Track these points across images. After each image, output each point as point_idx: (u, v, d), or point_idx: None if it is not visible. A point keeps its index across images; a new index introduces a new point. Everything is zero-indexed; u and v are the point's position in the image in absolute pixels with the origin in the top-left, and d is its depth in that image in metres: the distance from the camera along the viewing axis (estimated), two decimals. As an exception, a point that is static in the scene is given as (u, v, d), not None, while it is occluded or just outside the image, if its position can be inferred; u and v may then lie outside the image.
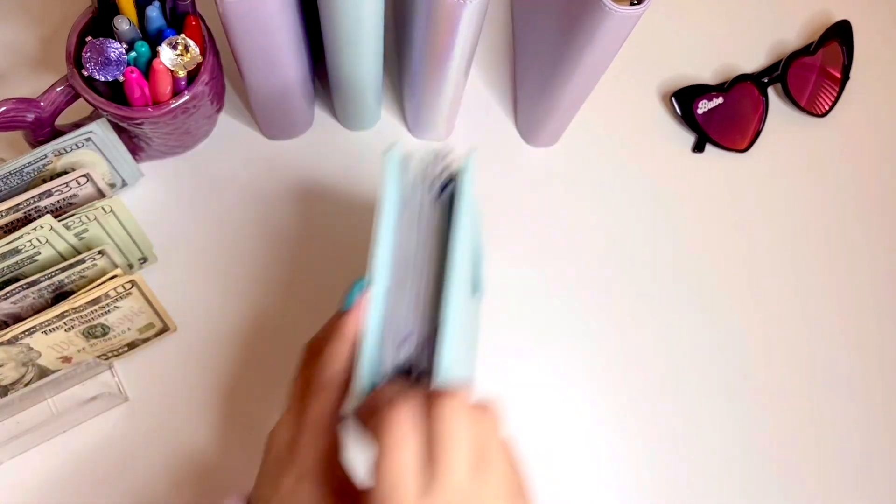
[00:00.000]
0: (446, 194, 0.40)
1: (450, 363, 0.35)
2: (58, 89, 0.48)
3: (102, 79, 0.47)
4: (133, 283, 0.49)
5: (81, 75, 0.47)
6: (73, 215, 0.48)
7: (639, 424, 0.57)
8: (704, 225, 0.63)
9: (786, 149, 0.66)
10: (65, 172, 0.50)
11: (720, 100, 0.64)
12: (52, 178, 0.50)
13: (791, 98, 0.66)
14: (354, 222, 0.59)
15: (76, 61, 0.48)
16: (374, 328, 0.37)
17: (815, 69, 0.67)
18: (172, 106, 0.49)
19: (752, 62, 0.68)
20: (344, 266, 0.56)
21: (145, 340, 0.54)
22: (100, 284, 0.48)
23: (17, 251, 0.48)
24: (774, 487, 0.57)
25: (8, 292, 0.47)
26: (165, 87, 0.48)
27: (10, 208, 0.48)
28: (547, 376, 0.57)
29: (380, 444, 0.31)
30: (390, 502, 0.30)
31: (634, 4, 0.44)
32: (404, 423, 0.31)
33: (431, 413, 0.31)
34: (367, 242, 0.38)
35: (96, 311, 0.49)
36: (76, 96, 0.49)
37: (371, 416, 0.33)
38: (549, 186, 0.62)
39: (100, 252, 0.49)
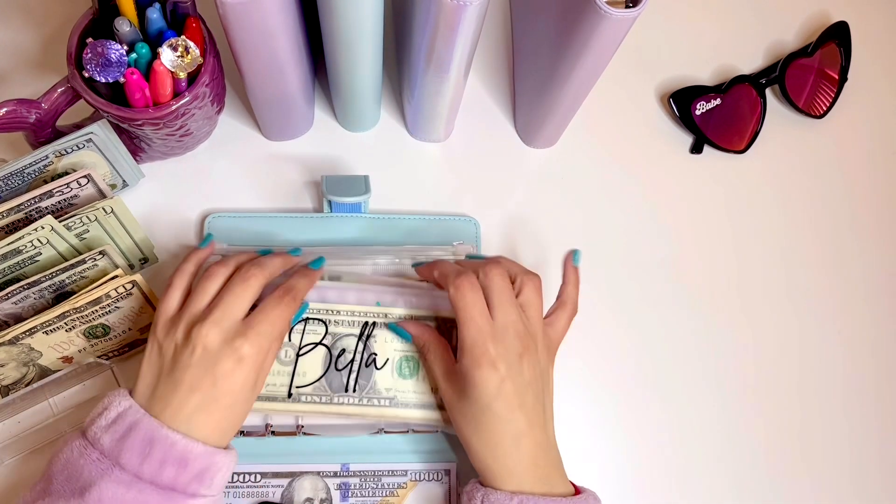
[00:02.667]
0: None
1: None
2: (59, 90, 0.49)
3: (103, 80, 0.47)
4: (134, 283, 0.49)
5: (82, 76, 0.47)
6: (74, 216, 0.49)
7: (636, 423, 0.57)
8: (702, 225, 0.63)
9: (783, 150, 0.66)
10: (66, 173, 0.50)
11: (718, 101, 0.65)
12: (53, 179, 0.50)
13: (789, 99, 0.66)
14: (354, 223, 0.59)
15: (77, 63, 0.48)
16: None
17: (812, 70, 0.67)
18: (173, 107, 0.49)
19: (750, 63, 0.68)
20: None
21: (146, 340, 0.54)
22: (101, 285, 0.48)
23: (18, 251, 0.48)
24: (767, 488, 0.57)
25: (9, 293, 0.48)
26: (166, 89, 0.48)
27: (11, 209, 0.48)
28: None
29: (459, 303, 0.46)
30: (477, 334, 0.45)
31: (630, 7, 0.44)
32: (471, 287, 0.46)
33: (482, 277, 0.47)
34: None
35: (97, 311, 0.49)
36: (77, 97, 0.49)
37: (438, 274, 0.49)
38: (548, 187, 0.62)
39: (101, 252, 0.49)
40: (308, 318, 0.51)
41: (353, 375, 0.51)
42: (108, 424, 0.41)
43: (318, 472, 0.52)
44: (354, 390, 0.51)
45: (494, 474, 0.45)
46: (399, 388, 0.51)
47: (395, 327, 0.51)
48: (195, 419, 0.42)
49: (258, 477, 0.51)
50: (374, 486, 0.52)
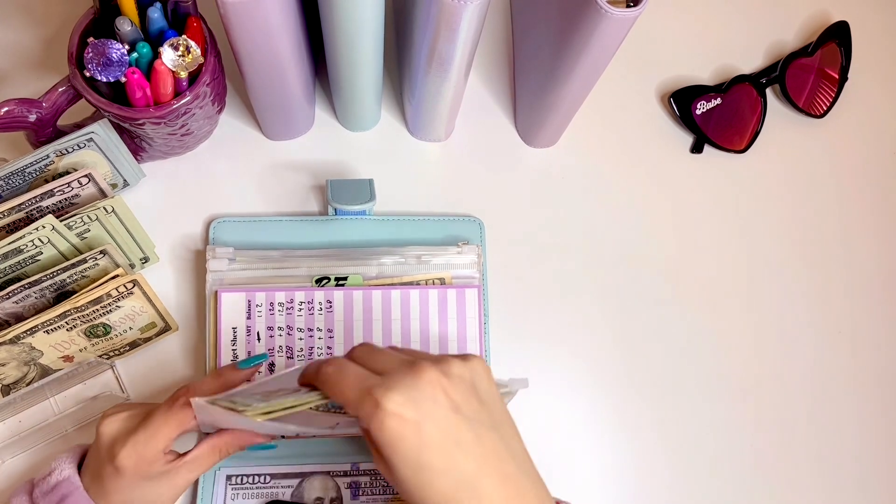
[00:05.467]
0: None
1: None
2: (59, 90, 0.49)
3: (104, 79, 0.47)
4: (135, 282, 0.49)
5: (83, 76, 0.47)
6: (74, 215, 0.49)
7: (637, 421, 0.57)
8: (703, 225, 0.63)
9: (784, 149, 0.66)
10: (67, 173, 0.50)
11: (718, 101, 0.65)
12: (53, 179, 0.50)
13: (789, 99, 0.66)
14: (354, 222, 0.59)
15: (78, 62, 0.48)
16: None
17: (813, 70, 0.67)
18: (174, 107, 0.49)
19: (751, 63, 0.68)
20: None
21: (147, 340, 0.54)
22: (101, 284, 0.48)
23: (19, 251, 0.48)
24: (768, 488, 0.57)
25: (10, 292, 0.48)
26: (167, 88, 0.48)
27: (12, 208, 0.48)
28: (547, 374, 0.57)
29: (328, 385, 0.37)
30: (358, 391, 0.36)
31: (630, 6, 0.44)
32: (336, 363, 0.38)
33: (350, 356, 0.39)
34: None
35: (98, 310, 0.49)
36: (78, 97, 0.49)
37: (311, 380, 0.39)
38: (548, 187, 0.62)
39: (101, 252, 0.49)
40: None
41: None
42: (47, 491, 0.43)
43: (329, 472, 0.52)
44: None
45: None
46: None
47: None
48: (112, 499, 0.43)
49: (267, 478, 0.51)
50: (385, 485, 0.52)
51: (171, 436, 0.43)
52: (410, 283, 0.55)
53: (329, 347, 0.53)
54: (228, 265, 0.54)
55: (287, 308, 0.53)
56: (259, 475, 0.51)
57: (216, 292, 0.53)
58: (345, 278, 0.54)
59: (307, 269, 0.55)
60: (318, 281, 0.54)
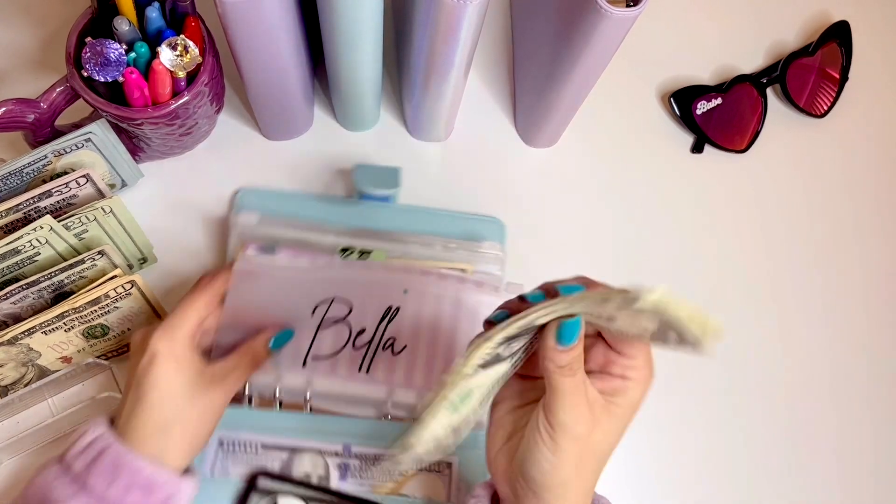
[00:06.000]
0: None
1: None
2: (57, 90, 0.49)
3: (102, 79, 0.47)
4: (133, 283, 0.49)
5: (81, 76, 0.47)
6: (72, 216, 0.49)
7: (643, 424, 0.57)
8: (703, 225, 0.63)
9: (784, 149, 0.66)
10: (65, 173, 0.50)
11: (719, 100, 0.64)
12: (51, 179, 0.50)
13: (790, 99, 0.66)
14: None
15: (76, 62, 0.48)
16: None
17: (813, 70, 0.67)
18: (172, 106, 0.49)
19: (751, 63, 0.68)
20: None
21: (145, 341, 0.54)
22: (99, 285, 0.48)
23: (16, 251, 0.48)
24: (787, 482, 0.57)
25: (8, 293, 0.48)
26: (165, 88, 0.48)
27: (9, 209, 0.48)
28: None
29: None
30: (650, 361, 0.43)
31: (630, 6, 0.44)
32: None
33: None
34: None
35: (96, 311, 0.49)
36: (76, 97, 0.49)
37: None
38: (548, 187, 0.62)
39: (99, 252, 0.49)
40: (335, 298, 0.50)
41: (368, 358, 0.50)
42: (81, 450, 0.42)
43: (320, 450, 0.51)
44: (368, 371, 0.51)
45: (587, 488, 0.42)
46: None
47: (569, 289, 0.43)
48: (150, 437, 0.42)
49: (259, 447, 0.51)
50: (374, 470, 0.52)
51: (199, 314, 0.45)
52: (432, 269, 0.54)
53: None
54: (257, 222, 0.54)
55: None
56: (251, 443, 0.51)
57: (245, 244, 0.53)
58: (369, 252, 0.54)
59: (334, 238, 0.55)
60: (343, 251, 0.54)
